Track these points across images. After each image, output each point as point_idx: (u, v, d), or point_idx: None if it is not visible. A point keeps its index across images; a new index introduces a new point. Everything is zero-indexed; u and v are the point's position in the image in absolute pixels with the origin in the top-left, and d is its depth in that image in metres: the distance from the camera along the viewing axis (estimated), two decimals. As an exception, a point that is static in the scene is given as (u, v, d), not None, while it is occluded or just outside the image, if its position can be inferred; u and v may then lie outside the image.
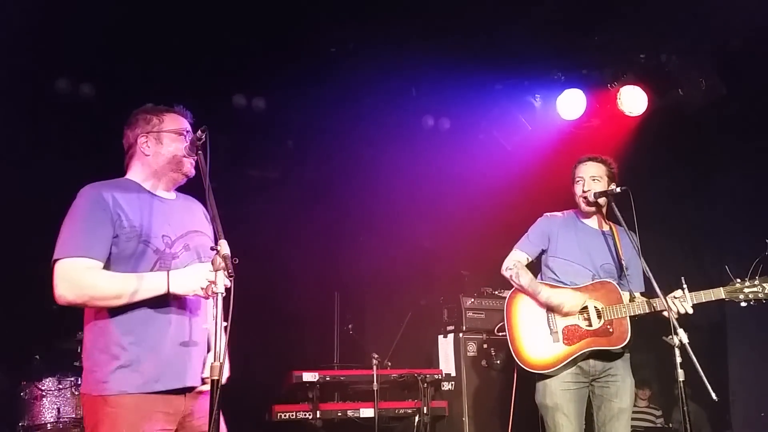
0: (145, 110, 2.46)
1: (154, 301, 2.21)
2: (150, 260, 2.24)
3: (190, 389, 2.27)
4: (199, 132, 2.27)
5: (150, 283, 2.18)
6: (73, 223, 2.23)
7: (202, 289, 2.16)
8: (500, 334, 3.72)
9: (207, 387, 2.26)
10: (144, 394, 2.16)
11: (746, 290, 3.24)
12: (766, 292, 3.24)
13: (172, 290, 2.19)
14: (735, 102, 5.02)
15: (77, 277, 2.15)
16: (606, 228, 3.62)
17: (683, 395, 2.92)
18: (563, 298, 3.41)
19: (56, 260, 2.18)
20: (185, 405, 2.26)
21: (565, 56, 5.15)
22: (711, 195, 5.65)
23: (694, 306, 3.25)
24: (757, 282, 3.24)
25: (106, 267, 2.21)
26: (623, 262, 3.47)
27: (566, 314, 3.42)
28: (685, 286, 3.25)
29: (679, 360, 2.88)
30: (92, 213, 2.22)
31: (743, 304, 3.26)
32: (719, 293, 3.27)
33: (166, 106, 2.49)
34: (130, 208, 2.27)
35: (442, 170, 5.89)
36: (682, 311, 3.23)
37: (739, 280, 3.27)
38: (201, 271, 2.17)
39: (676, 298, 3.25)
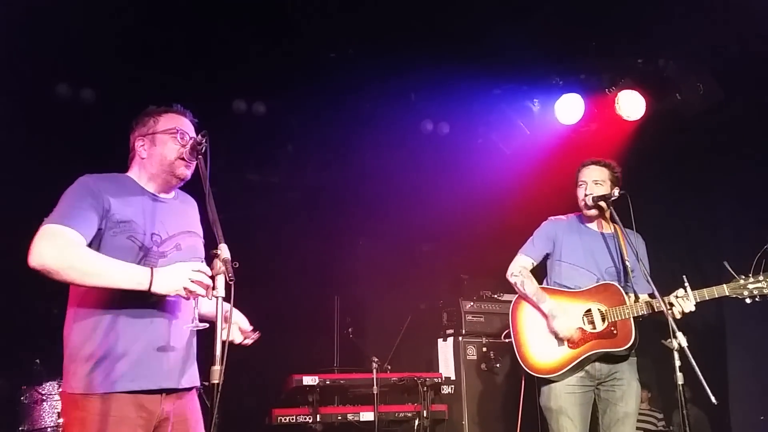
0: (145, 113, 2.47)
1: (135, 302, 2.18)
2: (134, 256, 2.21)
3: (168, 391, 2.24)
4: (199, 136, 2.27)
5: (132, 275, 2.12)
6: (64, 202, 2.23)
7: (184, 289, 2.14)
8: (506, 340, 3.70)
9: (186, 387, 2.30)
10: (116, 394, 2.12)
11: (750, 286, 3.20)
12: None
13: (154, 289, 2.12)
14: (733, 106, 5.01)
15: (63, 243, 2.10)
16: (610, 231, 3.62)
17: (683, 399, 2.90)
18: (560, 326, 3.41)
19: (42, 225, 2.15)
20: (161, 408, 2.21)
21: (563, 61, 5.15)
22: (709, 199, 5.63)
23: (696, 304, 3.23)
24: (761, 278, 3.19)
25: None
26: (628, 265, 3.47)
27: (560, 339, 3.42)
28: (687, 284, 3.24)
29: (678, 363, 2.88)
30: (83, 198, 2.22)
31: (747, 300, 3.21)
32: (723, 290, 3.23)
33: (166, 106, 2.49)
34: (122, 203, 2.26)
35: (441, 175, 5.89)
36: (686, 310, 3.21)
37: (742, 277, 3.23)
38: (184, 270, 2.14)
39: (678, 297, 3.23)
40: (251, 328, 2.49)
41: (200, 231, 2.50)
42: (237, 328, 2.44)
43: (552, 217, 3.73)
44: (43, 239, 2.10)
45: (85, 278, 2.10)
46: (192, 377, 2.36)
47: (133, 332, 2.19)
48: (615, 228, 3.60)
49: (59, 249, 2.09)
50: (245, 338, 2.48)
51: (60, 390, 2.28)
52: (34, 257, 2.08)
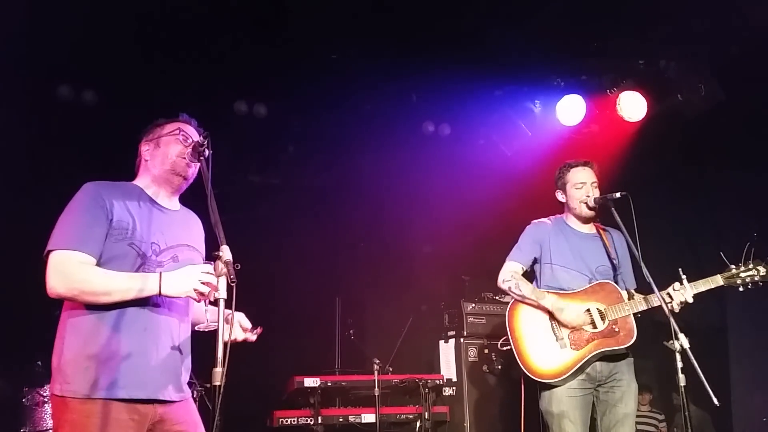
0: (153, 123, 2.53)
1: (134, 306, 2.20)
2: (133, 264, 2.24)
3: (161, 401, 2.23)
4: (201, 138, 2.29)
5: (141, 283, 2.17)
6: (71, 216, 2.24)
7: (194, 290, 2.16)
8: (505, 347, 3.65)
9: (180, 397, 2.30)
10: (107, 400, 2.12)
11: (742, 275, 3.30)
12: (761, 274, 3.30)
13: (164, 292, 2.18)
14: (734, 107, 5.00)
15: (70, 270, 2.15)
16: (592, 231, 3.63)
17: (685, 400, 2.90)
18: (569, 316, 3.39)
19: (50, 251, 2.18)
20: (154, 412, 2.22)
21: (564, 62, 5.15)
22: (710, 200, 5.64)
23: (694, 296, 3.28)
24: (751, 265, 3.30)
25: None
26: (614, 262, 3.50)
27: (572, 328, 3.40)
28: (683, 276, 3.28)
29: (680, 365, 2.87)
30: (90, 209, 2.23)
31: (741, 288, 3.32)
32: (717, 280, 3.33)
33: (173, 117, 2.53)
34: (125, 211, 2.29)
35: (442, 176, 5.89)
36: (682, 299, 3.25)
37: (734, 266, 3.33)
38: (194, 272, 2.18)
39: (675, 290, 3.28)
40: (251, 325, 2.46)
41: (201, 247, 2.52)
42: (238, 326, 2.42)
43: (535, 221, 3.70)
44: (52, 272, 2.16)
45: (99, 299, 2.17)
46: (185, 391, 2.36)
47: (129, 338, 2.19)
48: (596, 227, 3.62)
49: (68, 278, 2.15)
50: (247, 335, 2.46)
51: (49, 393, 2.26)
52: (49, 290, 2.16)
